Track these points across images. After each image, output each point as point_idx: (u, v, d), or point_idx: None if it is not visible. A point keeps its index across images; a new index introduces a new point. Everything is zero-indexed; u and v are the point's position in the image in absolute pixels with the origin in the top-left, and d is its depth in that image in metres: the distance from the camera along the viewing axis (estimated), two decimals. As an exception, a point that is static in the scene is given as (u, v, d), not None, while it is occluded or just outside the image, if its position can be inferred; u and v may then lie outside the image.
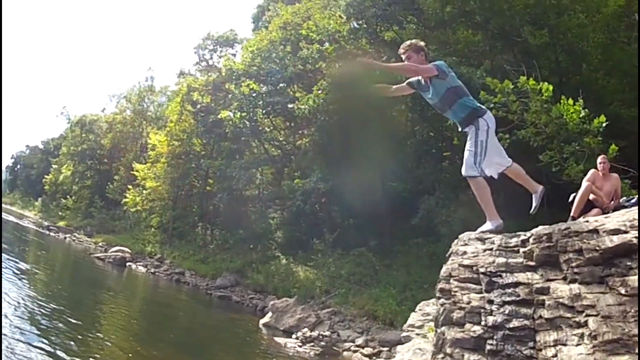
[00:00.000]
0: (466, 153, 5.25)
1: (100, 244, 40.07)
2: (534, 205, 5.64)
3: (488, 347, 4.70)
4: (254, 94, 27.42)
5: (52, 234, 46.02)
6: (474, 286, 5.27)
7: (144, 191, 38.01)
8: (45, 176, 76.76)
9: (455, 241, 6.25)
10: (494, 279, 4.99)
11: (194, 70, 50.73)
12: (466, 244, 5.82)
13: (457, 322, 5.17)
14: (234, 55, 41.17)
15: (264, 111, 28.21)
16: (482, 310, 4.94)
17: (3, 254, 22.28)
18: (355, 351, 14.55)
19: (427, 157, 21.98)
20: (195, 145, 34.89)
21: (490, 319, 4.79)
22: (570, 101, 12.30)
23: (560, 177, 12.61)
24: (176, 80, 57.04)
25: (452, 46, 19.58)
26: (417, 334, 10.20)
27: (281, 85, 28.33)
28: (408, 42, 4.97)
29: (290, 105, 23.60)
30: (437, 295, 5.77)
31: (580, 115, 12.11)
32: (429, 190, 20.65)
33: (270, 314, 18.10)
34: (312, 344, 14.77)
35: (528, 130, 13.26)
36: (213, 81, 33.78)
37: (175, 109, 36.16)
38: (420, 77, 5.11)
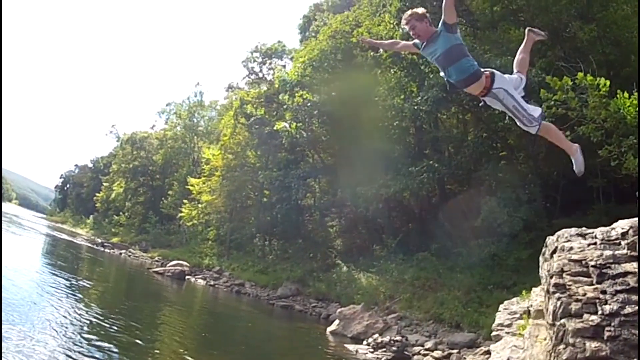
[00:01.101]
0: (515, 119, 4.91)
1: (156, 258, 41.15)
2: (576, 167, 5.05)
3: (606, 334, 5.09)
4: (308, 104, 27.91)
5: (107, 250, 46.84)
6: (585, 279, 5.71)
7: (200, 205, 38.87)
8: (96, 194, 78.82)
9: (553, 238, 6.66)
10: (603, 270, 5.41)
11: (242, 83, 51.63)
12: (569, 240, 6.23)
13: (575, 313, 5.63)
14: (284, 66, 41.95)
15: (319, 120, 28.66)
16: (597, 301, 5.38)
17: (62, 271, 23.21)
18: (425, 355, 14.70)
19: (485, 157, 21.96)
20: (249, 157, 35.58)
21: (607, 308, 5.24)
22: (626, 94, 12.41)
23: (619, 172, 12.71)
24: (225, 94, 58.37)
25: (504, 45, 19.67)
26: (507, 333, 10.35)
27: (334, 94, 28.68)
28: (409, 12, 4.71)
29: (349, 114, 23.98)
30: (551, 290, 6.17)
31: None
32: (488, 192, 20.71)
33: (337, 321, 18.37)
34: (384, 349, 14.86)
35: (588, 126, 13.43)
36: (265, 93, 34.45)
37: (228, 122, 37.08)
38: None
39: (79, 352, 9.77)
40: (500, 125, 20.99)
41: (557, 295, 6.00)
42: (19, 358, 8.12)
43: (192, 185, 40.46)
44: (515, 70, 5.13)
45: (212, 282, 30.50)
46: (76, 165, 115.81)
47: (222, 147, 37.04)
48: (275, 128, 29.31)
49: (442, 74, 4.78)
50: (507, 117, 19.99)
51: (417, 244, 23.18)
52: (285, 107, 30.02)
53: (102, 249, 47.63)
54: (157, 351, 11.81)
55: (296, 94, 28.62)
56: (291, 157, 31.74)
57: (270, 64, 45.93)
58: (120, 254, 44.91)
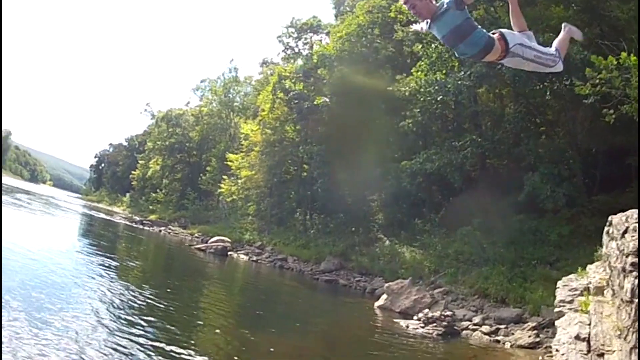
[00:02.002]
0: (539, 68, 4.74)
1: (196, 234, 41.76)
2: (575, 35, 5.01)
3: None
4: (347, 78, 28.08)
5: (146, 227, 47.55)
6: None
7: (239, 180, 39.36)
8: (132, 172, 79.90)
9: (622, 218, 6.87)
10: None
11: (277, 58, 51.87)
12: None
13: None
14: (320, 41, 42.03)
15: (359, 95, 28.79)
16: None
17: (103, 250, 23.57)
18: (474, 330, 14.80)
19: (524, 133, 21.92)
20: (288, 132, 35.92)
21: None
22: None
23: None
24: (259, 69, 58.70)
25: (545, 22, 19.54)
26: (569, 309, 10.48)
27: (372, 68, 28.76)
28: None
29: (389, 88, 24.06)
30: (628, 268, 6.35)
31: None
32: (531, 167, 20.74)
33: (385, 296, 18.59)
34: (435, 324, 14.89)
35: (632, 105, 13.48)
36: (302, 68, 34.65)
37: (266, 97, 37.30)
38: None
39: (128, 331, 9.76)
40: (539, 101, 21.13)
41: (634, 273, 6.22)
42: (61, 334, 8.21)
43: (231, 161, 41.03)
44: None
45: (254, 258, 30.94)
46: (111, 144, 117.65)
47: (260, 123, 37.44)
48: (315, 103, 29.55)
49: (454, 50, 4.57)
50: (548, 93, 20.13)
51: (459, 218, 23.09)
52: (324, 81, 30.21)
53: (142, 226, 48.37)
54: (217, 330, 11.95)
55: (335, 69, 28.80)
56: (331, 132, 31.88)
57: (305, 39, 46.14)
58: (160, 231, 45.61)
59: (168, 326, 11.07)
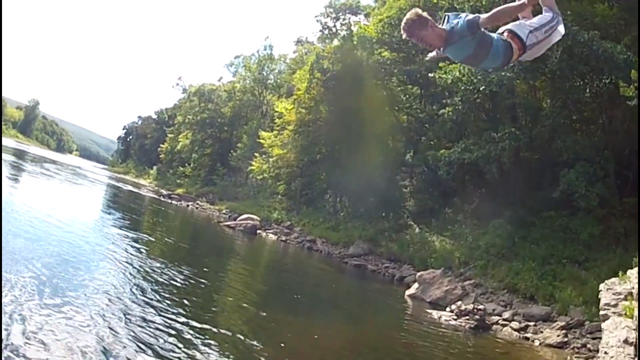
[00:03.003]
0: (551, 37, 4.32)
1: (224, 211, 42.18)
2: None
3: None
4: (387, 62, 28.03)
5: (173, 202, 47.90)
6: None
7: (271, 159, 39.55)
8: (160, 145, 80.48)
9: None
10: None
11: (312, 37, 51.79)
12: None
13: None
14: (359, 22, 41.89)
15: (399, 79, 28.77)
16: None
17: (133, 222, 24.17)
18: (504, 325, 14.81)
19: (562, 128, 21.78)
20: (322, 112, 35.89)
21: None
22: None
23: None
24: (294, 48, 58.67)
25: (589, 19, 19.38)
26: (614, 312, 10.50)
27: (413, 53, 28.67)
28: (406, 22, 3.81)
29: (430, 74, 23.97)
30: None
31: None
32: (565, 164, 20.48)
33: (416, 285, 18.72)
34: (467, 317, 14.92)
35: None
36: (340, 48, 34.61)
37: (303, 77, 37.29)
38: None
39: (158, 306, 9.86)
40: (576, 98, 21.01)
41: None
42: (81, 307, 8.26)
43: (263, 139, 41.10)
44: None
45: (283, 237, 31.21)
46: (139, 117, 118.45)
47: (295, 102, 37.52)
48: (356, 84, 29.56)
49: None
50: (587, 90, 20.05)
51: (490, 210, 23.13)
52: (365, 64, 30.18)
53: (169, 200, 48.73)
54: (249, 308, 12.18)
55: (375, 52, 28.75)
56: (367, 115, 31.79)
57: (343, 19, 46.01)
58: (188, 205, 46.10)
59: (195, 302, 11.29)
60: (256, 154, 42.81)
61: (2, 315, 6.37)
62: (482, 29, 3.83)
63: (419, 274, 19.33)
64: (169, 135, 78.30)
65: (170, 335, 8.30)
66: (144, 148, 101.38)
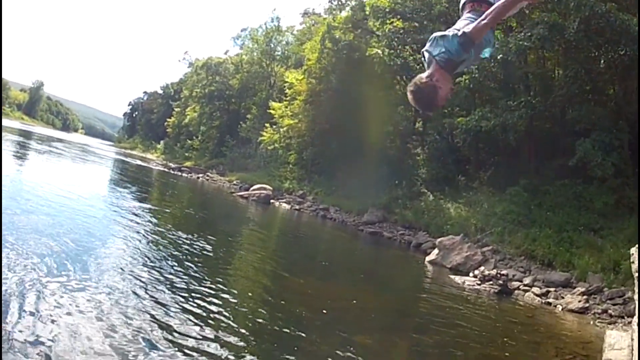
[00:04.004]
0: None
1: (234, 182, 42.25)
2: None
3: None
4: (400, 32, 27.66)
5: (183, 174, 48.00)
6: None
7: (281, 129, 39.31)
8: (167, 119, 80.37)
9: None
10: None
11: (320, 9, 51.24)
12: None
13: None
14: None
15: (412, 48, 28.41)
16: None
17: (147, 195, 24.16)
18: (526, 290, 14.76)
19: (576, 98, 21.61)
20: (333, 82, 35.43)
21: None
22: None
23: None
24: (300, 19, 58.18)
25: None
26: None
27: (425, 22, 28.25)
28: (424, 101, 3.09)
29: (446, 44, 23.61)
30: None
31: None
32: (577, 133, 20.56)
33: (436, 251, 18.61)
34: (491, 282, 14.96)
35: None
36: (352, 18, 34.19)
37: (313, 47, 36.93)
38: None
39: (176, 272, 9.72)
40: (589, 68, 20.85)
41: None
42: (92, 279, 7.99)
43: (273, 109, 40.88)
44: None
45: (296, 206, 31.21)
46: (145, 92, 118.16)
47: (305, 72, 37.18)
48: (367, 54, 29.21)
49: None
50: (602, 61, 20.00)
51: (505, 178, 23.14)
52: (380, 33, 29.78)
53: (179, 173, 48.87)
54: (273, 274, 12.32)
55: (387, 21, 28.35)
56: (382, 83, 31.47)
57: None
58: (198, 177, 46.17)
59: (227, 271, 11.42)
60: (267, 125, 42.48)
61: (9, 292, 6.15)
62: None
63: (438, 240, 19.17)
64: (176, 109, 78.22)
65: (212, 303, 8.24)
66: (150, 123, 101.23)
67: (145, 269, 9.56)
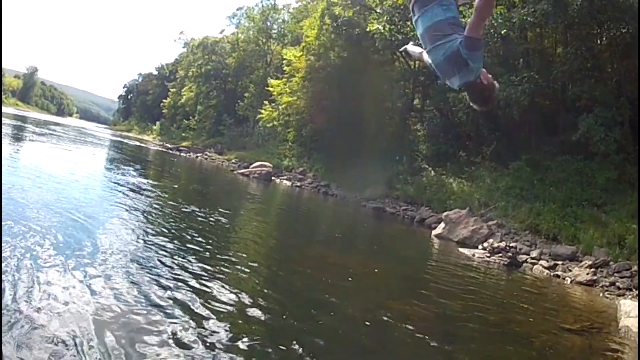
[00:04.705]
0: None
1: (233, 160, 42.08)
2: None
3: None
4: (401, 7, 27.30)
5: (182, 154, 47.88)
6: None
7: (280, 106, 38.95)
8: (163, 100, 79.88)
9: None
10: None
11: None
12: None
13: None
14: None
15: (412, 24, 28.10)
16: None
17: (147, 172, 23.95)
18: (534, 263, 14.75)
19: (578, 74, 21.50)
20: (332, 59, 35.06)
21: None
22: None
23: None
24: (296, -2, 57.46)
25: None
26: None
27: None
28: (489, 99, 3.43)
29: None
30: None
31: None
32: (577, 109, 20.60)
33: (442, 225, 18.51)
34: (500, 254, 15.04)
35: None
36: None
37: (312, 24, 36.47)
38: None
39: (177, 246, 9.32)
40: (590, 45, 21.02)
41: None
42: (88, 256, 7.52)
43: (271, 87, 40.46)
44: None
45: (297, 183, 31.18)
46: (140, 74, 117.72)
47: (304, 49, 36.78)
48: (368, 29, 28.87)
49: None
50: (604, 38, 19.90)
51: (507, 154, 23.14)
52: (381, 10, 29.46)
53: (178, 152, 48.91)
54: (283, 250, 12.40)
55: (388, -4, 28.07)
56: (382, 59, 31.08)
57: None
58: (197, 157, 46.05)
59: (236, 241, 11.44)
60: (265, 102, 42.09)
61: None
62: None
63: (445, 213, 19.05)
64: (172, 90, 77.87)
65: (244, 272, 8.28)
66: (145, 105, 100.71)
67: (170, 241, 9.53)
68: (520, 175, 21.50)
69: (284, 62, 39.86)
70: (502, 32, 21.79)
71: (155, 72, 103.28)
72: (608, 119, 18.88)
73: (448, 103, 26.06)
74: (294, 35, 50.63)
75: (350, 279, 9.79)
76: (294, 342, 5.71)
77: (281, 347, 5.59)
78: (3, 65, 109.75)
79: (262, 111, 41.44)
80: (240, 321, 6.18)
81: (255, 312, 6.47)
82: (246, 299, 6.88)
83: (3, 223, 7.48)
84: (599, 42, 21.45)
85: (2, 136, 20.99)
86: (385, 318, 7.26)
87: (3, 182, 10.49)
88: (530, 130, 23.71)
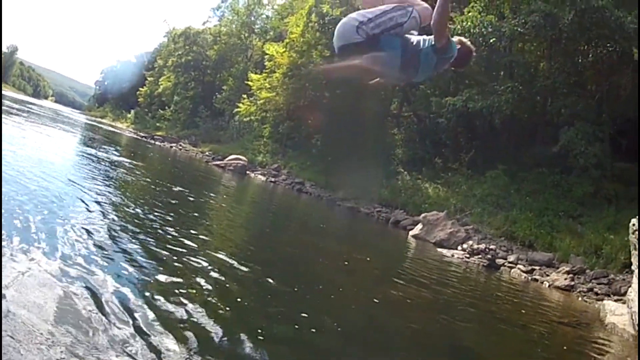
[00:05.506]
0: None
1: (207, 152, 41.46)
2: None
3: None
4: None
5: (156, 142, 47.30)
6: None
7: (259, 101, 38.33)
8: (140, 89, 78.74)
9: None
10: None
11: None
12: None
13: None
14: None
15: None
16: None
17: (123, 156, 23.15)
18: (511, 267, 14.82)
19: (560, 89, 21.59)
20: (315, 57, 34.58)
21: None
22: None
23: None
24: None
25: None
26: None
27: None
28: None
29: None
30: None
31: None
32: (560, 125, 20.72)
33: (420, 226, 18.41)
34: (479, 256, 15.09)
35: None
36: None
37: (298, 21, 36.00)
38: None
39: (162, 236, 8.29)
40: (576, 61, 21.57)
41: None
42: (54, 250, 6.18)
43: (251, 81, 39.74)
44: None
45: (272, 179, 30.73)
46: (118, 61, 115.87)
47: (287, 45, 36.27)
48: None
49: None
50: (591, 55, 20.15)
51: (484, 162, 23.17)
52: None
53: (152, 141, 48.37)
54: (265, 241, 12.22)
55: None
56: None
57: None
58: (171, 146, 45.48)
59: (224, 229, 11.17)
60: (244, 96, 41.47)
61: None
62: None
63: (422, 215, 18.96)
64: (149, 79, 76.80)
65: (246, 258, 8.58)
66: (122, 92, 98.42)
67: (143, 226, 8.69)
68: (497, 183, 21.54)
69: (266, 57, 39.20)
70: (491, 41, 21.71)
71: (134, 60, 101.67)
72: (589, 133, 19.09)
73: (430, 107, 25.94)
74: (276, 32, 50.20)
75: (346, 262, 10.24)
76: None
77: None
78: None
79: (240, 105, 40.74)
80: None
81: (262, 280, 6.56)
82: (248, 273, 6.99)
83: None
84: (586, 58, 21.75)
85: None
86: (392, 300, 7.67)
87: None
88: (509, 141, 23.93)
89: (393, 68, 3.64)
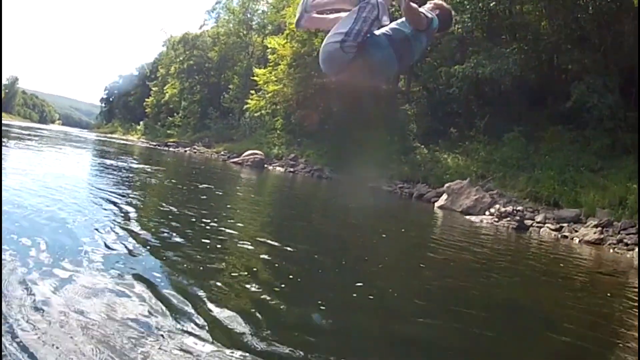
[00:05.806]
0: None
1: (222, 152, 41.53)
2: None
3: None
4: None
5: (170, 149, 47.49)
6: None
7: (267, 95, 38.52)
8: (146, 100, 78.99)
9: None
10: None
11: (296, -26, 50.19)
12: None
13: None
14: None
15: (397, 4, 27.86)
16: None
17: (141, 163, 23.32)
18: (540, 226, 14.84)
19: (565, 44, 21.47)
20: (317, 44, 34.31)
21: None
22: None
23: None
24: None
25: None
26: None
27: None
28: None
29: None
30: None
31: None
32: (563, 80, 21.26)
33: (445, 196, 18.49)
34: (508, 218, 15.10)
35: None
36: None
37: (296, 11, 35.89)
38: None
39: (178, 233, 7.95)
40: (577, 16, 21.05)
41: None
42: (89, 230, 6.74)
43: (257, 76, 39.87)
44: None
45: (290, 169, 30.88)
46: (120, 76, 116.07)
47: (288, 36, 36.31)
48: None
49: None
50: (590, 8, 20.10)
51: (499, 127, 22.94)
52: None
53: (166, 147, 48.49)
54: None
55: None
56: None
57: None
58: (185, 150, 45.72)
59: (252, 220, 10.88)
60: (252, 92, 41.60)
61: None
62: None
63: (446, 185, 19.00)
64: (154, 89, 76.92)
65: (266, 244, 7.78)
66: (128, 106, 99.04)
67: (166, 227, 8.46)
68: (515, 145, 21.47)
69: (269, 50, 39.41)
70: (491, 5, 21.68)
71: (136, 73, 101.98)
72: (599, 85, 19.00)
73: (438, 79, 25.84)
74: (274, 26, 50.10)
75: (383, 235, 10.46)
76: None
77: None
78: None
79: (249, 101, 40.89)
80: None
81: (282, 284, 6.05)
82: (293, 253, 7.08)
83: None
84: (583, 13, 21.20)
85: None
86: (423, 270, 7.62)
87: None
88: (521, 103, 23.68)
89: (392, 68, 3.69)
